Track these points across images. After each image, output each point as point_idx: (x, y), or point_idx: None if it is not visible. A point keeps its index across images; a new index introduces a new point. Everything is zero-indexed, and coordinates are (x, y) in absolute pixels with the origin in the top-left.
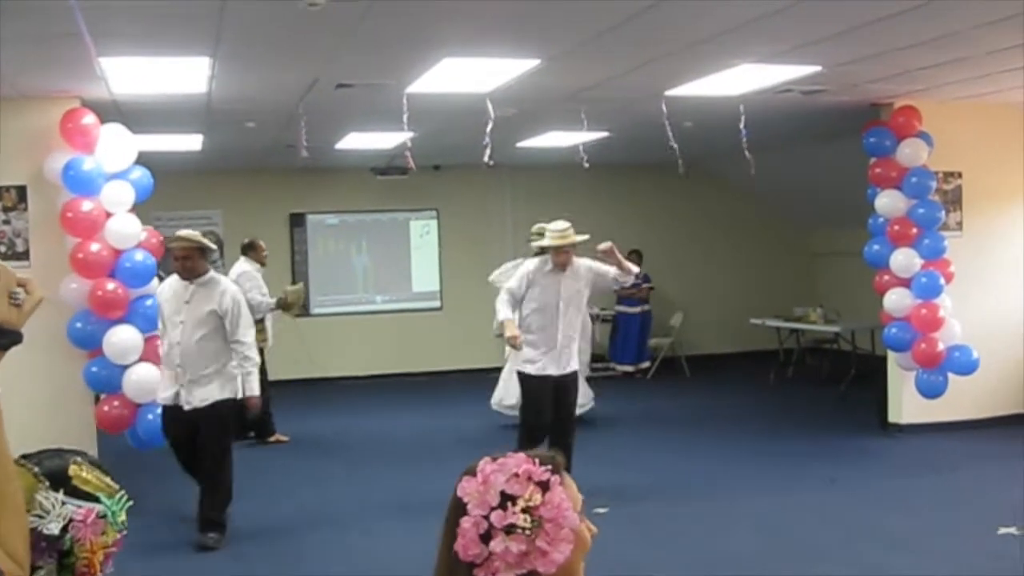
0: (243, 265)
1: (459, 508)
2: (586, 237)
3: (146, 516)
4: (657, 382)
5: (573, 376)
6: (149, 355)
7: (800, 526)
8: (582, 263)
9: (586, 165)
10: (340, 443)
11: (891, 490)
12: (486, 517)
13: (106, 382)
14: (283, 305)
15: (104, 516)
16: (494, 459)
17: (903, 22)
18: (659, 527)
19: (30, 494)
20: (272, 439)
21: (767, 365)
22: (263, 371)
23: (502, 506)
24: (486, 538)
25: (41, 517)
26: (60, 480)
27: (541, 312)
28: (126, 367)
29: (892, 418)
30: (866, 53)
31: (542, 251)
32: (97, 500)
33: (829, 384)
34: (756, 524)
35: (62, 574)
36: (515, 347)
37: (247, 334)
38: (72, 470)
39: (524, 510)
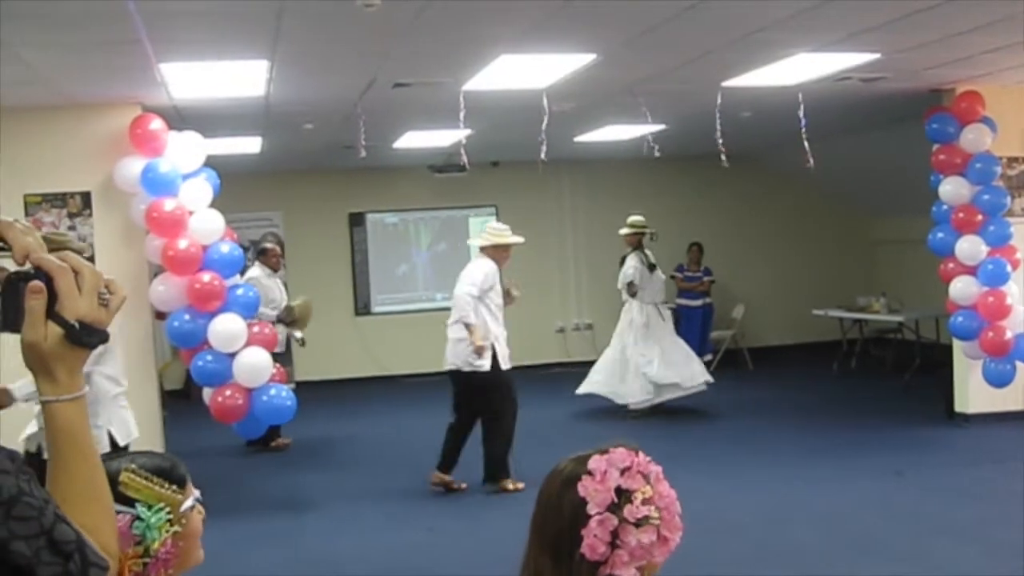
0: (253, 271)
1: (575, 508)
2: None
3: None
4: (720, 375)
5: None
6: (253, 340)
7: (865, 518)
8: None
9: (657, 154)
10: (400, 440)
11: (958, 481)
12: (615, 513)
13: (216, 373)
14: (289, 320)
15: (137, 527)
16: (602, 454)
17: (960, 7)
18: (720, 518)
19: None
20: (274, 444)
21: (830, 356)
22: None
23: (625, 501)
24: (615, 534)
25: None
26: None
27: (500, 309)
28: (234, 355)
29: (959, 408)
30: (925, 39)
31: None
32: (145, 508)
33: (893, 374)
34: (820, 516)
35: None
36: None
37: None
38: (123, 476)
39: (644, 502)
